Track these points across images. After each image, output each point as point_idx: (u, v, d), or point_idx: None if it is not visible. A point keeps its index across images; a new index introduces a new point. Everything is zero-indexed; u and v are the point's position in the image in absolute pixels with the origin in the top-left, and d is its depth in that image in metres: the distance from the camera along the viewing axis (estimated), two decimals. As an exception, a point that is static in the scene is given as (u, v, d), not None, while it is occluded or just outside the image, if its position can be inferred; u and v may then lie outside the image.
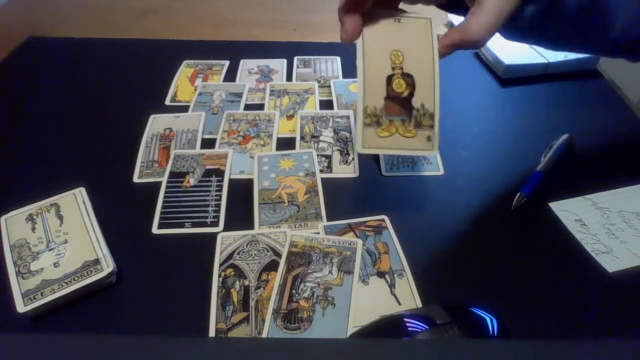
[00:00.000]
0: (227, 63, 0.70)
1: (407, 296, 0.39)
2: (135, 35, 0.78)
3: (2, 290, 0.38)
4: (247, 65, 0.70)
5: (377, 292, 0.39)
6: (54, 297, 0.37)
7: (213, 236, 0.44)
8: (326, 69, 0.69)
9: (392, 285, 0.40)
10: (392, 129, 0.40)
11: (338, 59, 0.71)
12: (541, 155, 0.52)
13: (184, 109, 0.61)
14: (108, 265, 0.40)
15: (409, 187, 0.50)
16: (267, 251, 0.42)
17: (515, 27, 0.41)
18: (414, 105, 0.40)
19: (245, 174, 0.51)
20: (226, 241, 0.43)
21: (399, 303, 0.39)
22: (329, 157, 0.53)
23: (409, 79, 0.40)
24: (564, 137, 0.54)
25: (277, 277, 0.40)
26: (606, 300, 0.39)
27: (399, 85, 0.39)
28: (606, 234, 0.44)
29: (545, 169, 0.50)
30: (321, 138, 0.56)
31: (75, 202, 0.45)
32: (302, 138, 0.56)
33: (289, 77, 0.68)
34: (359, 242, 0.43)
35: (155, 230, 0.45)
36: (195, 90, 0.64)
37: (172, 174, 0.50)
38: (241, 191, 0.49)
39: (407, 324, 0.34)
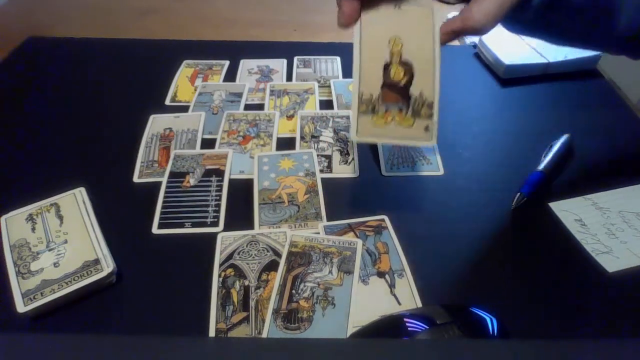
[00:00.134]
0: (227, 63, 0.70)
1: (407, 296, 0.39)
2: (135, 35, 0.78)
3: (2, 290, 0.38)
4: (247, 65, 0.70)
5: (377, 292, 0.39)
6: (54, 297, 0.37)
7: (213, 236, 0.44)
8: (326, 69, 0.69)
9: (392, 285, 0.40)
10: (388, 118, 0.39)
11: (338, 59, 0.71)
12: (541, 155, 0.52)
13: (184, 109, 0.61)
14: (108, 265, 0.40)
15: (409, 187, 0.50)
16: (267, 251, 0.42)
17: (519, 18, 0.40)
18: (412, 93, 0.38)
19: (245, 174, 0.51)
20: (226, 241, 0.43)
21: (399, 303, 0.39)
22: (329, 157, 0.53)
23: (407, 66, 0.38)
24: (564, 137, 0.54)
25: (277, 277, 0.40)
26: (606, 300, 0.39)
27: (397, 73, 0.38)
28: (606, 234, 0.44)
29: (545, 169, 0.50)
30: (321, 138, 0.56)
31: (75, 202, 0.45)
32: (302, 138, 0.56)
33: (289, 77, 0.68)
34: (359, 242, 0.43)
35: (155, 230, 0.45)
36: (195, 90, 0.64)
37: (172, 174, 0.50)
38: (241, 191, 0.49)
39: (407, 324, 0.34)
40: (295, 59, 0.71)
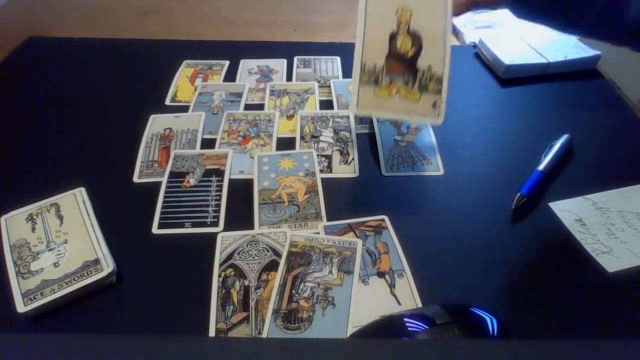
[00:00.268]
0: (227, 63, 0.70)
1: (407, 296, 0.39)
2: (135, 35, 0.78)
3: (2, 290, 0.38)
4: (247, 65, 0.70)
5: (377, 292, 0.39)
6: (54, 297, 0.37)
7: (213, 236, 0.44)
8: (326, 69, 0.69)
9: (392, 285, 0.40)
10: (392, 90, 0.36)
11: (338, 59, 0.71)
12: (541, 155, 0.52)
13: (184, 109, 0.61)
14: (108, 265, 0.40)
15: (409, 187, 0.50)
16: (267, 251, 0.42)
17: (531, 1, 0.39)
18: (420, 66, 0.36)
19: (245, 174, 0.51)
20: (226, 241, 0.43)
21: (399, 303, 0.39)
22: (329, 157, 0.53)
23: (415, 37, 0.36)
24: (564, 137, 0.54)
25: (277, 277, 0.40)
26: (606, 300, 0.39)
27: (404, 44, 0.36)
28: (606, 234, 0.44)
29: (545, 169, 0.50)
30: (321, 138, 0.56)
31: (75, 202, 0.46)
32: (302, 138, 0.56)
33: (289, 77, 0.68)
34: (359, 242, 0.43)
35: (155, 230, 0.45)
36: (195, 90, 0.64)
37: (172, 174, 0.50)
38: (241, 191, 0.49)
39: (407, 324, 0.34)
40: (295, 59, 0.71)
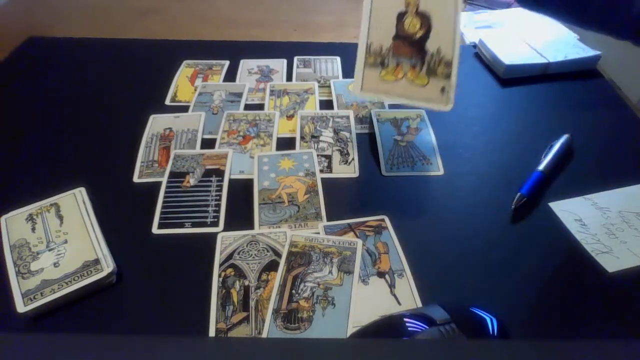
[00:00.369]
0: (227, 63, 0.70)
1: (407, 296, 0.39)
2: (135, 35, 0.78)
3: (2, 290, 0.38)
4: (247, 65, 0.70)
5: (377, 292, 0.39)
6: (54, 297, 0.37)
7: (213, 236, 0.44)
8: (326, 69, 0.69)
9: (392, 285, 0.40)
10: (399, 73, 0.35)
11: (338, 59, 0.71)
12: (541, 155, 0.52)
13: (184, 109, 0.61)
14: (108, 265, 0.40)
15: (409, 187, 0.50)
16: (267, 251, 0.42)
17: None
18: (428, 49, 0.34)
19: (245, 174, 0.51)
20: (226, 241, 0.43)
21: (399, 303, 0.39)
22: (329, 157, 0.53)
23: (424, 18, 0.34)
24: (564, 137, 0.54)
25: (277, 277, 0.40)
26: (606, 300, 0.39)
27: (412, 25, 0.34)
28: (606, 234, 0.44)
29: (545, 169, 0.50)
30: (321, 138, 0.56)
31: (75, 202, 0.46)
32: (302, 138, 0.56)
33: (289, 77, 0.68)
34: (359, 242, 0.43)
35: (155, 230, 0.45)
36: (195, 90, 0.64)
37: (172, 174, 0.50)
38: (241, 191, 0.49)
39: (407, 324, 0.34)
40: (295, 59, 0.71)
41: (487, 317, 0.35)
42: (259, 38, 0.78)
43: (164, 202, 0.47)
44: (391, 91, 0.36)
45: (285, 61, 0.71)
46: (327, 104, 0.62)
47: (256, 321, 0.37)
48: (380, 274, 0.41)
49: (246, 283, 0.40)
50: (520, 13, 0.83)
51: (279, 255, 0.42)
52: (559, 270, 0.42)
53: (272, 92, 0.63)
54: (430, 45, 0.35)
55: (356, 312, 0.38)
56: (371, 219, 0.46)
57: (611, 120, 0.60)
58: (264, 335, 0.36)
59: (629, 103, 0.63)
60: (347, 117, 0.58)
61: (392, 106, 0.61)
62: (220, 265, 0.41)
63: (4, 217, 0.44)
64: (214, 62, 0.70)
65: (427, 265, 0.42)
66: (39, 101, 0.63)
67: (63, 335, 0.34)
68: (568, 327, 0.38)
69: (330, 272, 0.40)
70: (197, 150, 0.54)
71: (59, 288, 0.38)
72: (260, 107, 0.62)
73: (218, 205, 0.47)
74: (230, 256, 0.42)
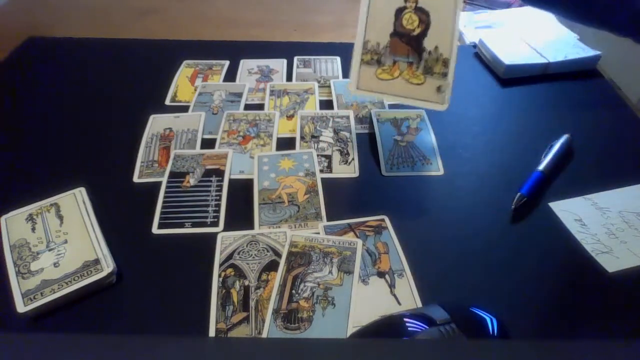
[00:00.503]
0: (227, 63, 0.70)
1: (407, 296, 0.39)
2: (135, 35, 0.78)
3: (2, 290, 0.38)
4: (247, 65, 0.70)
5: (377, 292, 0.39)
6: (54, 297, 0.37)
7: (213, 236, 0.44)
8: (326, 69, 0.69)
9: (392, 285, 0.40)
10: (395, 72, 0.35)
11: (338, 59, 0.71)
12: (541, 155, 0.52)
13: (184, 109, 0.61)
14: (108, 265, 0.40)
15: (409, 187, 0.50)
16: (267, 251, 0.42)
17: None
18: (426, 46, 0.34)
19: (245, 174, 0.51)
20: (226, 241, 0.43)
21: (399, 303, 0.39)
22: (329, 157, 0.53)
23: (423, 15, 0.34)
24: (564, 137, 0.54)
25: (277, 277, 0.40)
26: (606, 300, 0.39)
27: (410, 21, 0.34)
28: (606, 234, 0.44)
29: (545, 169, 0.50)
30: (321, 138, 0.56)
31: (75, 202, 0.46)
32: (302, 138, 0.56)
33: (289, 77, 0.68)
34: (359, 242, 0.43)
35: (155, 230, 0.45)
36: (195, 90, 0.64)
37: (172, 174, 0.50)
38: (241, 191, 0.49)
39: (407, 324, 0.34)
40: (295, 59, 0.71)
41: (487, 317, 0.35)
42: (259, 38, 0.78)
43: (164, 202, 0.47)
44: (386, 89, 0.36)
45: (285, 61, 0.71)
46: (327, 104, 0.62)
47: (256, 321, 0.37)
48: (380, 274, 0.41)
49: (246, 283, 0.40)
50: (520, 13, 0.83)
51: (279, 255, 0.42)
52: (559, 270, 0.42)
53: (272, 92, 0.63)
54: (428, 43, 0.34)
55: (356, 312, 0.38)
56: (371, 219, 0.46)
57: (611, 120, 0.60)
58: (264, 335, 0.36)
59: (629, 103, 0.63)
60: (347, 117, 0.58)
61: (392, 106, 0.61)
62: (220, 265, 0.41)
63: (4, 217, 0.44)
64: (214, 62, 0.70)
65: (427, 265, 0.42)
66: (39, 101, 0.63)
67: (63, 335, 0.34)
68: (568, 327, 0.38)
69: (330, 272, 0.40)
70: (197, 150, 0.54)
71: (59, 288, 0.38)
72: (260, 107, 0.62)
73: (218, 205, 0.47)
74: (230, 256, 0.42)
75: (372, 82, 0.35)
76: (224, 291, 0.39)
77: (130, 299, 0.39)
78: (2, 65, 0.70)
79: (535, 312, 0.39)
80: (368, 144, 0.56)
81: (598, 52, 0.67)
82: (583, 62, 0.67)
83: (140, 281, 0.41)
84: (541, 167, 0.50)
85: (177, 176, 0.50)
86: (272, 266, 0.41)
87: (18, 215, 0.44)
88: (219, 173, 0.51)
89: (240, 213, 0.47)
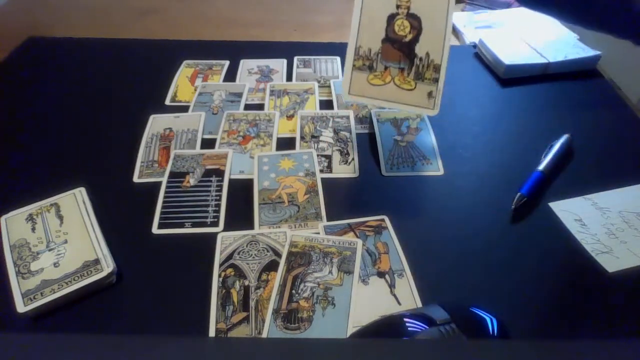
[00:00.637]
0: (227, 63, 0.70)
1: (407, 296, 0.39)
2: (135, 35, 0.78)
3: (2, 290, 0.38)
4: (247, 65, 0.70)
5: (377, 292, 0.39)
6: (54, 297, 0.37)
7: (213, 236, 0.44)
8: (326, 69, 0.69)
9: (392, 285, 0.40)
10: (386, 77, 0.35)
11: (338, 59, 0.71)
12: (541, 155, 0.52)
13: (184, 109, 0.61)
14: (108, 265, 0.40)
15: (409, 187, 0.50)
16: (267, 251, 0.42)
17: None
18: (417, 52, 0.34)
19: (245, 174, 0.51)
20: (226, 241, 0.43)
21: (399, 303, 0.39)
22: (329, 157, 0.53)
23: (414, 21, 0.34)
24: (564, 137, 0.54)
25: (277, 277, 0.40)
26: (606, 300, 0.39)
27: (402, 27, 0.34)
28: (606, 234, 0.44)
29: (545, 169, 0.50)
30: (321, 138, 0.56)
31: (75, 202, 0.46)
32: (302, 138, 0.56)
33: (289, 77, 0.68)
34: (359, 242, 0.43)
35: (155, 230, 0.45)
36: (195, 90, 0.64)
37: (172, 174, 0.50)
38: (241, 191, 0.49)
39: (407, 324, 0.34)
40: (295, 59, 0.71)
41: (487, 317, 0.35)
42: (259, 38, 0.78)
43: (164, 202, 0.47)
44: (378, 95, 0.36)
45: (285, 61, 0.71)
46: (327, 104, 0.62)
47: (256, 321, 0.37)
48: (380, 274, 0.41)
49: (246, 283, 0.40)
50: (520, 13, 0.83)
51: (279, 255, 0.42)
52: (559, 270, 0.42)
53: (272, 92, 0.63)
54: (419, 50, 0.35)
55: (356, 312, 0.38)
56: (371, 219, 0.46)
57: (611, 120, 0.60)
58: (264, 335, 0.36)
59: (629, 103, 0.63)
60: (347, 117, 0.58)
61: (392, 106, 0.61)
62: (220, 265, 0.41)
63: (4, 217, 0.44)
64: (214, 62, 0.70)
65: (427, 265, 0.42)
66: (39, 101, 0.63)
67: (63, 335, 0.34)
68: (568, 327, 0.38)
69: (330, 272, 0.40)
70: (197, 150, 0.54)
71: (59, 288, 0.38)
72: (260, 107, 0.62)
73: (218, 205, 0.47)
74: (230, 256, 0.42)
75: (364, 88, 0.35)
76: (224, 291, 0.39)
77: (130, 299, 0.39)
78: (2, 65, 0.70)
79: (535, 312, 0.39)
80: (368, 144, 0.56)
81: (598, 52, 0.67)
82: (583, 62, 0.67)
83: (140, 281, 0.41)
84: (541, 167, 0.50)
85: (177, 176, 0.50)
86: (272, 266, 0.41)
87: (18, 215, 0.44)
88: (219, 173, 0.51)
89: (240, 213, 0.47)
